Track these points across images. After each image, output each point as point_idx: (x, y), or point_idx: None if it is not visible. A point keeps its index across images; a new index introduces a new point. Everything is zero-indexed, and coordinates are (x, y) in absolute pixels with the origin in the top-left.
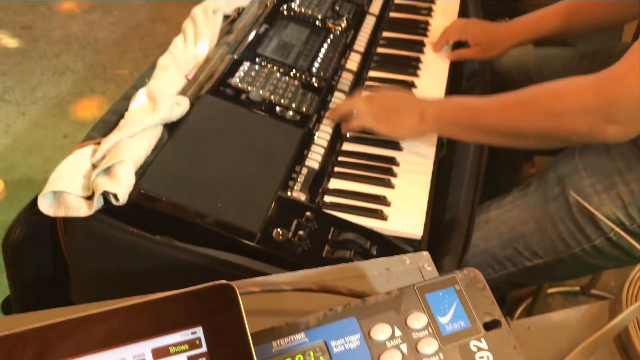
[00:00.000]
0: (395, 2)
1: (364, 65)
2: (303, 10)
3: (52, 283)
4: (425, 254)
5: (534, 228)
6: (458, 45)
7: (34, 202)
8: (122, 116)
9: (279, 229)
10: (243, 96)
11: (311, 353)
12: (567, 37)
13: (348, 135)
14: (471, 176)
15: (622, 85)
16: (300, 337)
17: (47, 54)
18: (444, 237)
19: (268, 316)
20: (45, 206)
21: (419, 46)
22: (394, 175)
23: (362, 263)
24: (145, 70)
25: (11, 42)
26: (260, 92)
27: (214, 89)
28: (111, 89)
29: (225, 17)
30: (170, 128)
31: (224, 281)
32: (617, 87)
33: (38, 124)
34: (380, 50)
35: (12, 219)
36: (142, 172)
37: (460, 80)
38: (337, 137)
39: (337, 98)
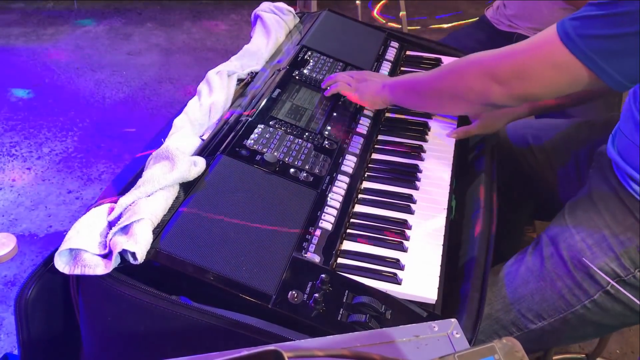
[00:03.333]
0: (402, 68)
1: (374, 129)
2: (314, 75)
3: (61, 342)
4: (454, 321)
5: (535, 288)
6: (460, 119)
7: (48, 260)
8: (137, 175)
9: (294, 292)
10: (258, 157)
11: None
12: (565, 109)
13: (360, 196)
14: (481, 243)
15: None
16: None
17: (55, 111)
18: (457, 303)
19: None
20: (62, 264)
21: (425, 112)
22: (406, 238)
23: (391, 329)
24: (159, 129)
25: (20, 99)
26: (275, 153)
27: (229, 150)
28: (118, 147)
29: (239, 80)
30: (187, 187)
31: (273, 347)
32: None
33: (43, 179)
34: (388, 115)
35: (14, 273)
36: (159, 231)
37: (467, 144)
38: (350, 198)
39: (349, 160)
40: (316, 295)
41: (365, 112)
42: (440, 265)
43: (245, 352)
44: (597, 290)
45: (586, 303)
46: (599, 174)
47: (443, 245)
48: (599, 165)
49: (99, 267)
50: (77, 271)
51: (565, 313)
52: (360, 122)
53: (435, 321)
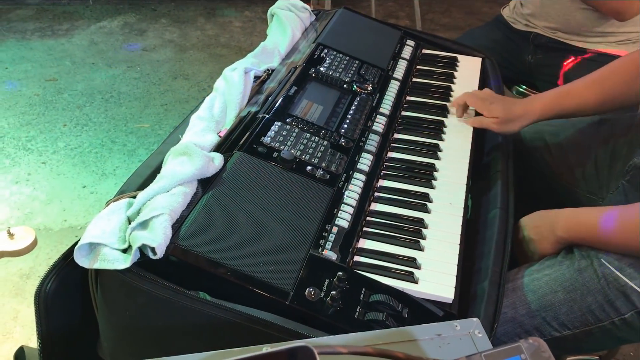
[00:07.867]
0: (418, 67)
1: (390, 128)
2: (331, 73)
3: (79, 335)
4: (475, 320)
5: (563, 299)
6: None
7: (67, 253)
8: (155, 170)
9: (311, 289)
10: (275, 154)
11: None
12: (585, 115)
13: (376, 194)
14: (499, 242)
15: None
16: None
17: (71, 106)
18: (473, 303)
19: None
20: (81, 258)
21: (442, 110)
22: (423, 237)
23: (412, 328)
24: (174, 125)
25: (36, 93)
26: (292, 151)
27: (247, 147)
28: (132, 142)
29: (256, 77)
30: (205, 183)
31: (303, 342)
32: None
33: (58, 173)
34: (405, 113)
35: (30, 266)
36: (177, 227)
37: (483, 143)
38: (366, 197)
39: (365, 159)
40: (333, 292)
41: (381, 110)
42: (457, 265)
43: (268, 348)
44: (630, 310)
45: (615, 320)
46: (636, 190)
47: (460, 244)
48: (635, 180)
49: (118, 262)
50: (97, 265)
51: (592, 327)
52: (377, 120)
53: (458, 320)
